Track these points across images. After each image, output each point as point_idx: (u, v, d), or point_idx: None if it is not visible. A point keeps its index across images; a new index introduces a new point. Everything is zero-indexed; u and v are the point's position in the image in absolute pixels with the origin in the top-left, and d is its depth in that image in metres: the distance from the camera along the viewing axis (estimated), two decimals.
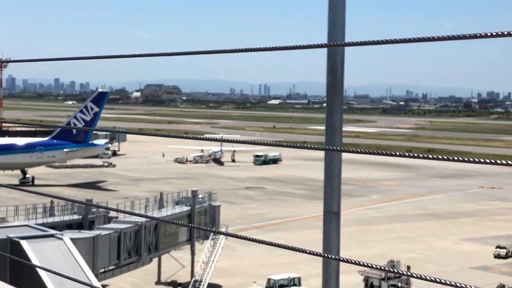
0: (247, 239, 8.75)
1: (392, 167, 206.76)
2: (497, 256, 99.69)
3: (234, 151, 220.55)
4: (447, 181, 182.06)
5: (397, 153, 7.02)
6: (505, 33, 6.04)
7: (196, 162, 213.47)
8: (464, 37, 6.36)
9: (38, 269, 46.63)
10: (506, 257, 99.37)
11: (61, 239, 53.67)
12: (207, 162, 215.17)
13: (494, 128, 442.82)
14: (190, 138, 10.55)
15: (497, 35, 6.17)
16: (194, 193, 79.64)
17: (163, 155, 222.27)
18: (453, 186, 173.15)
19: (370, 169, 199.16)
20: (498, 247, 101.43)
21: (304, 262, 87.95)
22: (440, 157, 6.98)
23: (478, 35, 6.11)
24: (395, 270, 7.43)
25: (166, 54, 8.81)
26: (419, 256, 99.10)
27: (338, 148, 9.25)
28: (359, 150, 7.61)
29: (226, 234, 9.08)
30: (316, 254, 7.97)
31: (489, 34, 6.05)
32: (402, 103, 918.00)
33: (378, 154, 7.10)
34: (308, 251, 7.99)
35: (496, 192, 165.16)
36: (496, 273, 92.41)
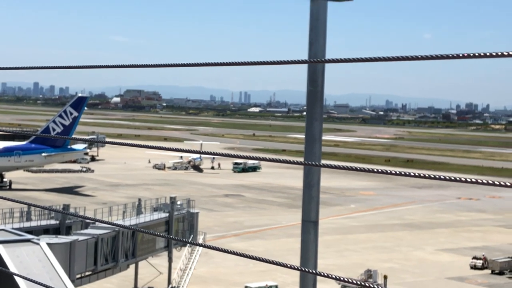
0: (224, 251, 8.76)
1: (370, 176, 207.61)
2: (473, 267, 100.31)
3: (213, 158, 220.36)
4: (424, 192, 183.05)
5: (374, 169, 7.07)
6: (488, 54, 6.13)
7: (175, 168, 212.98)
8: (442, 57, 6.44)
9: (13, 274, 46.23)
10: (482, 268, 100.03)
11: (38, 244, 53.30)
12: (186, 168, 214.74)
13: (473, 139, 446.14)
14: (167, 149, 10.54)
15: (475, 56, 6.27)
16: (173, 200, 79.39)
17: (149, 161, 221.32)
18: (431, 196, 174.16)
19: (349, 178, 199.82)
20: (474, 258, 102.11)
21: (281, 270, 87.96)
22: (417, 174, 7.07)
23: (456, 55, 6.19)
24: (372, 285, 7.48)
25: (147, 65, 8.82)
26: (396, 266, 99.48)
27: (317, 163, 9.30)
28: (337, 166, 7.64)
29: (203, 246, 9.08)
30: (294, 268, 8.00)
31: (466, 54, 6.13)
32: (381, 113, 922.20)
33: (356, 170, 7.15)
34: (285, 265, 8.02)
35: (473, 203, 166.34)
36: (472, 284, 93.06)
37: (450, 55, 6.40)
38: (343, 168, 7.57)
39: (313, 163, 9.15)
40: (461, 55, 6.30)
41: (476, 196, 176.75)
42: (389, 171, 7.19)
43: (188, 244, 79.96)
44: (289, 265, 8.02)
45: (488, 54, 6.28)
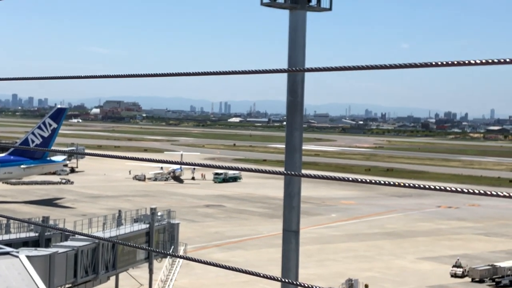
0: (205, 263, 8.71)
1: (351, 185, 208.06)
2: (454, 275, 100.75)
3: (194, 168, 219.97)
4: (405, 200, 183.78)
5: (355, 179, 7.10)
6: (466, 62, 6.17)
7: (156, 179, 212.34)
8: (421, 65, 6.47)
9: None
10: (462, 276, 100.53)
11: (17, 256, 52.81)
12: (166, 179, 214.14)
13: (452, 148, 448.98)
14: (148, 160, 10.50)
15: (453, 64, 6.30)
16: (153, 211, 79.03)
17: (130, 172, 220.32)
18: (411, 205, 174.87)
19: (329, 188, 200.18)
20: (454, 266, 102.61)
21: (263, 281, 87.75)
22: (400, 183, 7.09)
23: (434, 63, 6.25)
24: None
25: (127, 76, 8.79)
26: (377, 275, 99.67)
27: (297, 173, 9.33)
28: (317, 175, 7.65)
29: (184, 258, 9.04)
30: (275, 279, 7.97)
31: (444, 63, 6.20)
32: (361, 122, 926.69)
33: (334, 179, 7.16)
34: (267, 276, 7.99)
35: (453, 212, 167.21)
36: None
37: (429, 63, 6.43)
38: (324, 177, 7.58)
39: (294, 173, 9.14)
40: (439, 63, 6.33)
41: (456, 205, 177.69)
42: (368, 180, 7.20)
43: (168, 256, 79.64)
44: (270, 276, 7.99)
45: (466, 62, 6.32)
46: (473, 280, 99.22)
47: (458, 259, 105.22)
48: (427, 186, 6.84)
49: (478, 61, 6.49)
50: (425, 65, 6.52)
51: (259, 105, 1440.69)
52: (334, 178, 7.37)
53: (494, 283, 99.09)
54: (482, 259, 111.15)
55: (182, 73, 8.30)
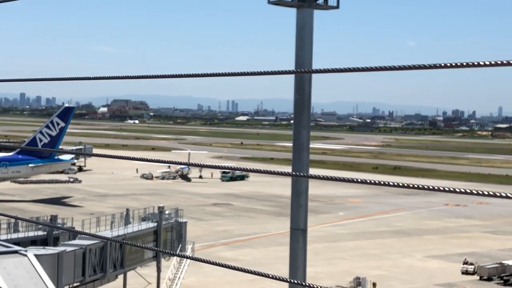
0: (212, 263, 8.74)
1: (358, 184, 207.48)
2: (465, 272, 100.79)
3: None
4: (412, 198, 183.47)
5: (359, 180, 7.10)
6: (470, 63, 6.18)
7: (163, 178, 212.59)
8: (430, 66, 6.47)
9: (1, 286, 45.96)
10: (474, 273, 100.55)
11: (25, 255, 52.96)
12: (174, 178, 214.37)
13: (459, 146, 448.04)
14: (156, 161, 10.53)
15: (457, 66, 6.30)
16: (161, 210, 79.12)
17: (137, 171, 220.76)
18: (419, 203, 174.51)
19: (337, 186, 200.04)
20: (465, 263, 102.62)
21: (271, 279, 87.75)
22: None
23: (443, 65, 6.24)
24: None
25: (134, 77, 8.85)
26: (384, 273, 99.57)
27: (305, 174, 9.34)
28: (324, 176, 7.67)
29: (192, 258, 9.07)
30: (283, 280, 7.99)
31: (449, 64, 6.20)
32: (368, 120, 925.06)
33: (342, 180, 7.17)
34: (274, 276, 8.01)
35: (461, 210, 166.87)
36: None
37: (438, 65, 6.43)
38: (331, 178, 7.59)
39: (301, 173, 9.15)
40: (448, 64, 6.33)
41: (463, 203, 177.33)
42: (374, 181, 7.21)
43: (176, 256, 79.66)
44: (277, 277, 8.01)
45: (475, 63, 6.32)
46: (481, 278, 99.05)
47: (465, 258, 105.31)
48: (435, 187, 6.84)
49: (487, 63, 6.49)
50: (434, 66, 6.52)
51: (267, 103, 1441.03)
52: (341, 179, 7.39)
53: (502, 281, 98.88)
54: (490, 257, 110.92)
55: (190, 74, 8.33)
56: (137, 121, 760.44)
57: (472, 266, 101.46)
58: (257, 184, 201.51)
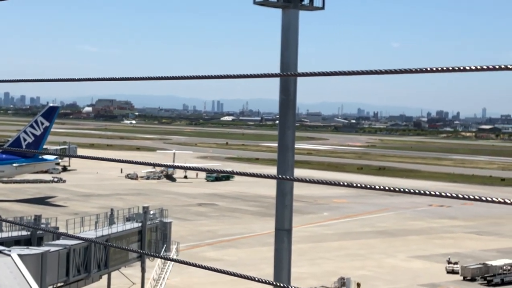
0: (197, 266, 8.75)
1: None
2: (451, 271, 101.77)
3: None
4: (397, 199, 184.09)
5: (345, 183, 7.16)
6: (455, 68, 6.24)
7: (148, 178, 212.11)
8: (416, 71, 6.53)
9: None
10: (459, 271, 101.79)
11: (9, 255, 52.70)
12: (159, 178, 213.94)
13: (443, 147, 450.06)
14: (142, 164, 10.54)
15: (437, 71, 6.37)
16: (145, 210, 78.95)
17: (122, 171, 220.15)
18: (403, 203, 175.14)
19: (321, 186, 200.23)
20: (450, 262, 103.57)
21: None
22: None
23: (429, 69, 6.30)
24: None
25: (118, 79, 8.85)
26: (369, 274, 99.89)
27: (290, 177, 9.38)
28: (310, 180, 7.70)
29: (175, 261, 9.09)
30: (267, 283, 8.02)
31: (435, 68, 6.25)
32: (353, 121, 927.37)
33: (328, 184, 7.21)
34: (259, 280, 8.03)
35: (445, 210, 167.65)
36: None
37: (424, 69, 6.48)
38: (316, 182, 7.63)
39: (286, 177, 9.19)
40: (434, 69, 6.38)
41: (447, 203, 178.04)
42: (358, 185, 7.25)
43: (161, 254, 79.58)
44: (262, 280, 8.04)
45: (461, 68, 6.38)
46: (465, 279, 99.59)
47: (449, 257, 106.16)
48: (421, 192, 6.91)
49: (473, 67, 6.56)
50: (420, 71, 6.57)
51: (252, 103, 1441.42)
52: (326, 183, 7.43)
53: (485, 282, 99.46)
54: (473, 258, 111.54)
55: (175, 76, 8.34)
56: (134, 122, 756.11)
57: (458, 265, 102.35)
58: (242, 184, 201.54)
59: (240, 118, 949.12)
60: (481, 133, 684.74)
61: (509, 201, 6.81)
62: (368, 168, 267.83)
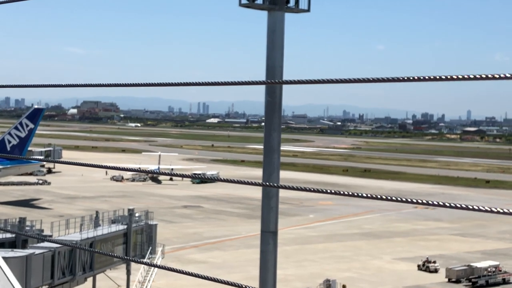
0: (181, 272, 8.71)
1: (328, 186, 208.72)
2: (434, 271, 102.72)
3: (172, 169, 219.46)
4: (382, 201, 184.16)
5: (332, 191, 7.16)
6: (442, 77, 6.27)
7: (133, 180, 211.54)
8: (403, 80, 6.55)
9: None
10: (436, 270, 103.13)
11: None
12: (144, 180, 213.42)
13: (428, 149, 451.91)
14: (127, 170, 10.53)
15: (425, 79, 6.40)
16: (131, 212, 78.73)
17: (107, 173, 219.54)
18: (388, 205, 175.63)
19: None
20: (430, 262, 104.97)
21: (241, 281, 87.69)
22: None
23: (417, 78, 6.33)
24: None
25: (103, 85, 8.82)
26: (354, 275, 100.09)
27: (275, 184, 9.40)
28: (295, 187, 7.71)
29: (159, 267, 9.05)
30: None
31: (421, 77, 6.28)
32: (339, 123, 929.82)
33: (313, 191, 7.22)
34: (243, 286, 8.00)
35: (430, 212, 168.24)
36: None
37: (411, 78, 6.52)
38: (300, 189, 7.63)
39: (271, 184, 9.22)
40: (421, 78, 6.40)
41: (432, 206, 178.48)
42: (345, 193, 7.26)
43: (146, 257, 79.36)
44: (247, 286, 8.03)
45: (449, 77, 6.42)
46: (449, 281, 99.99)
47: (427, 257, 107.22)
48: (407, 200, 6.93)
49: (460, 76, 6.59)
50: (408, 79, 6.59)
51: (238, 105, 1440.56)
52: (311, 190, 7.44)
53: (470, 283, 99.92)
54: (458, 260, 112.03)
55: (161, 83, 8.34)
56: (139, 125, 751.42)
57: (437, 264, 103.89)
58: (228, 186, 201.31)
59: (226, 120, 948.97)
60: (466, 135, 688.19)
61: (495, 210, 6.83)
62: (354, 170, 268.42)
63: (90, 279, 74.05)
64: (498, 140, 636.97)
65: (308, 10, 37.95)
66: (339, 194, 7.63)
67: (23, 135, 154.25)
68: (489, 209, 6.91)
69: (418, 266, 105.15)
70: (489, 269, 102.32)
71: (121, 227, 77.28)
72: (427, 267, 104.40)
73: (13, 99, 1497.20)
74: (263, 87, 35.59)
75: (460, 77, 6.89)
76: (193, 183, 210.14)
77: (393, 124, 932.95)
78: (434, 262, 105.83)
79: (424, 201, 7.38)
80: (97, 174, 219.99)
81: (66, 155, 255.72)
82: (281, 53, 35.51)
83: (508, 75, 6.75)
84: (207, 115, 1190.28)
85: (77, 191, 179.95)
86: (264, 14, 36.45)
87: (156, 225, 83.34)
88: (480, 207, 6.97)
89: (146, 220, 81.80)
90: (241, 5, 36.75)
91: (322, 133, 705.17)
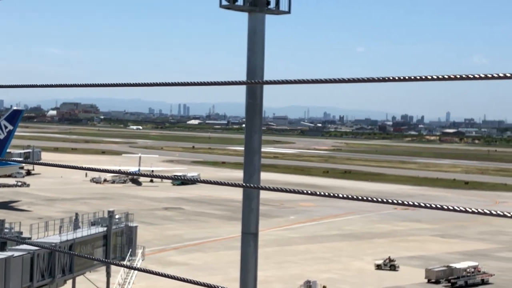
0: (161, 275, 8.68)
1: (309, 187, 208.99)
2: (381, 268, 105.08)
3: (152, 171, 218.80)
4: (362, 202, 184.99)
5: (309, 192, 7.15)
6: (423, 77, 6.28)
7: (113, 182, 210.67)
8: (383, 80, 6.54)
9: None
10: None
11: None
12: (124, 182, 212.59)
13: (408, 150, 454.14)
14: (109, 172, 10.45)
15: (405, 79, 6.40)
16: (111, 214, 78.33)
17: (86, 175, 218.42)
18: (369, 206, 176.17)
19: None
20: (391, 260, 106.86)
21: (223, 283, 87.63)
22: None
23: (398, 78, 6.33)
24: None
25: (84, 85, 8.75)
26: (335, 277, 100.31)
27: (256, 186, 9.37)
28: (276, 188, 7.69)
29: (140, 270, 9.00)
30: None
31: (401, 77, 6.28)
32: (319, 125, 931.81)
33: (294, 192, 7.19)
34: None
35: (410, 213, 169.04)
36: None
37: (392, 78, 6.51)
38: (282, 190, 7.61)
39: (252, 185, 9.19)
40: (402, 78, 6.40)
41: (412, 206, 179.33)
42: (323, 193, 7.25)
43: (126, 259, 79.00)
44: None
45: (428, 77, 6.41)
46: (429, 281, 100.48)
47: (389, 256, 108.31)
48: (386, 200, 6.92)
49: (440, 77, 6.59)
50: (387, 79, 6.61)
51: (218, 107, 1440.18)
52: (292, 191, 7.42)
53: (450, 284, 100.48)
54: (438, 260, 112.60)
55: (141, 83, 8.29)
56: (140, 127, 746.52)
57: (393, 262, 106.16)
58: (209, 188, 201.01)
59: (207, 121, 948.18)
60: (445, 137, 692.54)
61: (472, 210, 6.86)
62: (334, 171, 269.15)
63: (69, 282, 73.62)
64: (477, 141, 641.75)
65: (289, 12, 37.98)
66: (320, 195, 7.62)
67: (1, 136, 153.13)
68: (466, 209, 6.93)
69: (379, 266, 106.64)
70: (468, 270, 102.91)
71: (101, 229, 76.86)
72: (392, 265, 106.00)
73: None
74: (244, 88, 35.57)
75: (440, 77, 6.91)
76: (174, 184, 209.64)
77: (373, 125, 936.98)
78: (394, 260, 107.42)
79: (405, 202, 7.40)
80: (77, 176, 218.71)
81: (46, 157, 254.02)
82: (261, 55, 35.51)
83: (485, 76, 6.78)
84: (187, 116, 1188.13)
85: (56, 193, 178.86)
86: (244, 16, 36.45)
87: (136, 227, 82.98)
88: (459, 207, 6.99)
89: (126, 222, 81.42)
90: (221, 6, 36.69)
91: (302, 135, 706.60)
